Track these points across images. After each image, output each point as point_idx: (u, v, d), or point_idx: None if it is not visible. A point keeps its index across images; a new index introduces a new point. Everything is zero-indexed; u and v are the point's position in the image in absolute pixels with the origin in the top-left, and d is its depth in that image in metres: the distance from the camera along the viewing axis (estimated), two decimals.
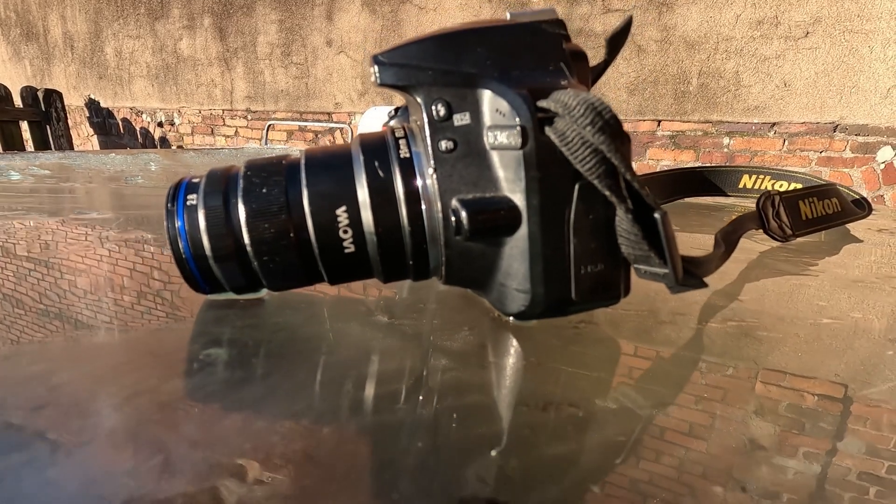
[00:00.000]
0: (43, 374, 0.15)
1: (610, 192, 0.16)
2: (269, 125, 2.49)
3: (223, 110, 2.77)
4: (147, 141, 3.08)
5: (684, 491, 0.12)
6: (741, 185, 0.57)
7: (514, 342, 0.19)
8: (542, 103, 0.17)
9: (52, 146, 2.72)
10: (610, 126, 0.16)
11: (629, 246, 0.17)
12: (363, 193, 0.18)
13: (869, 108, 1.60)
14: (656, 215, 0.17)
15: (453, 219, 0.18)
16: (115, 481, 0.10)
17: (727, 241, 0.27)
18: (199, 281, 0.19)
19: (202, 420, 0.13)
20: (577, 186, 0.17)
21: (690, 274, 0.18)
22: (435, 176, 0.18)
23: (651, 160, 1.86)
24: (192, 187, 0.19)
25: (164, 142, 3.01)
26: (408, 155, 0.19)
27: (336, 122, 2.41)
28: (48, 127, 2.73)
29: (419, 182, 0.18)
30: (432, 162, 0.18)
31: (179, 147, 2.91)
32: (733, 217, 0.33)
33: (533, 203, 0.17)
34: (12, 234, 0.30)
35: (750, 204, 0.55)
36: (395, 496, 0.10)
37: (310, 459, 0.11)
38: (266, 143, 2.38)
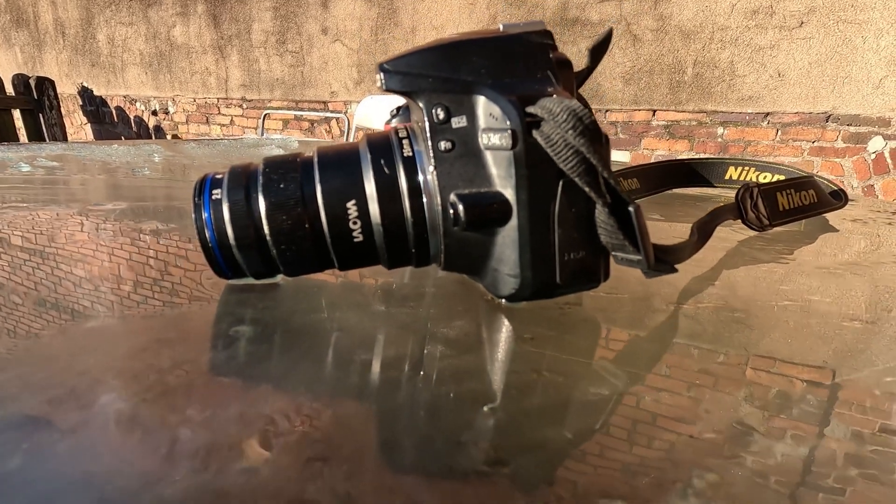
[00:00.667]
0: (93, 349, 0.17)
1: (589, 189, 0.18)
2: (266, 114, 2.49)
3: (218, 99, 2.76)
4: (141, 129, 3.07)
5: (669, 467, 0.14)
6: (727, 177, 0.59)
7: (505, 320, 0.21)
8: (530, 109, 0.19)
9: (46, 135, 2.71)
10: (589, 130, 0.18)
11: (607, 235, 0.20)
12: (370, 188, 0.20)
13: (861, 99, 1.62)
14: (630, 208, 0.19)
15: (451, 211, 0.20)
16: (172, 430, 0.12)
17: (702, 231, 0.29)
18: (223, 267, 0.21)
19: (237, 384, 0.15)
20: (560, 183, 0.19)
21: (662, 260, 0.20)
22: (435, 173, 0.20)
23: (646, 150, 1.88)
24: (216, 183, 0.21)
25: (159, 130, 3.00)
26: (410, 153, 0.21)
27: (332, 112, 2.41)
28: (41, 115, 2.71)
29: (421, 178, 0.20)
30: (432, 160, 0.20)
31: (175, 137, 2.90)
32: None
33: (522, 198, 0.19)
34: (38, 225, 0.32)
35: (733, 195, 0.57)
36: (403, 441, 0.13)
37: (331, 411, 0.14)
38: (263, 134, 2.37)
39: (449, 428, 0.14)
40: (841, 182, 1.68)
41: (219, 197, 0.21)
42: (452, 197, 0.20)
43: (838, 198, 0.48)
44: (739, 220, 0.37)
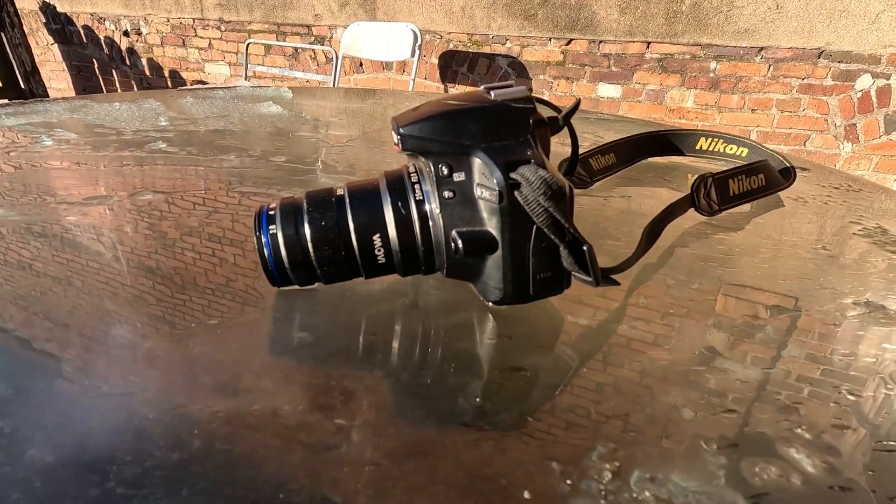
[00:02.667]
0: (185, 341, 0.24)
1: (554, 236, 0.25)
2: (248, 44, 2.38)
3: (193, 19, 2.61)
4: (114, 52, 2.91)
5: (643, 391, 0.22)
6: (698, 147, 0.64)
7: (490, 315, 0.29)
8: (513, 175, 0.25)
9: (11, 56, 2.57)
10: (556, 195, 0.24)
11: (567, 263, 0.26)
12: (391, 224, 0.27)
13: (855, 34, 1.61)
14: (584, 248, 0.26)
15: (453, 244, 0.27)
16: (272, 399, 0.20)
17: (653, 232, 0.36)
18: (277, 279, 0.28)
19: (300, 367, 0.23)
20: (534, 227, 0.26)
21: (606, 278, 0.28)
22: (440, 215, 0.27)
23: (637, 84, 1.88)
24: (270, 219, 0.27)
25: (132, 53, 2.85)
26: (421, 197, 0.27)
27: (316, 37, 2.32)
28: (2, 35, 2.55)
29: (429, 218, 0.27)
30: (438, 205, 0.26)
31: (150, 61, 2.77)
32: (689, 177, 0.42)
33: (506, 237, 0.26)
34: (95, 220, 0.37)
35: (704, 164, 0.63)
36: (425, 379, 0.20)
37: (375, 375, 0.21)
38: (247, 68, 2.27)
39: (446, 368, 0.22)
40: (824, 121, 1.72)
41: (275, 232, 0.27)
42: (453, 233, 0.26)
43: (787, 176, 0.54)
44: (692, 210, 0.44)
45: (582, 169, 0.52)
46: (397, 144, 0.26)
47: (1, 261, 0.32)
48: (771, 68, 1.72)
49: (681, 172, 0.61)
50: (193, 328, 0.26)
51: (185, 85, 2.74)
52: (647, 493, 0.18)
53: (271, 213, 0.28)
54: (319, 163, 0.54)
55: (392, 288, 0.30)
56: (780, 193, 0.52)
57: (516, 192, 0.25)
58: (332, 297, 0.29)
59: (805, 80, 1.70)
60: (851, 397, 0.23)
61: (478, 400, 0.22)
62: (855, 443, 0.21)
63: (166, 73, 2.81)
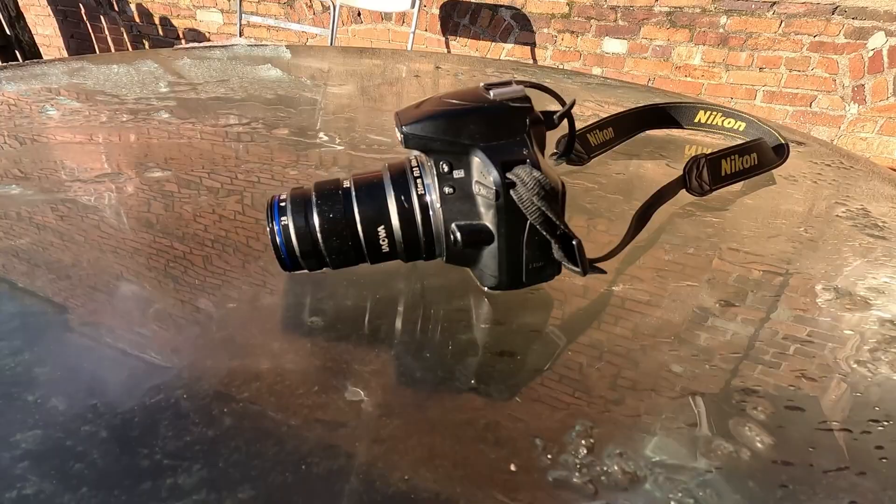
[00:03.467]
0: (209, 312, 0.27)
1: (546, 233, 0.27)
2: None
3: None
4: None
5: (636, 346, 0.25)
6: (696, 120, 0.65)
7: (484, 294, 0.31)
8: (509, 175, 0.27)
9: None
10: (549, 195, 0.26)
11: (558, 254, 0.29)
12: (394, 217, 0.29)
13: None
14: (574, 243, 0.28)
15: (452, 237, 0.29)
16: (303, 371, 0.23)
17: (642, 217, 0.38)
18: (289, 266, 0.30)
19: (314, 351, 0.26)
20: (528, 223, 0.28)
21: (594, 268, 0.30)
22: (441, 209, 0.28)
23: (644, 39, 1.82)
24: (282, 210, 0.29)
25: None
26: (423, 192, 0.29)
27: None
28: None
29: (430, 212, 0.29)
30: (438, 200, 0.28)
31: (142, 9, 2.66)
32: (686, 150, 0.43)
33: (501, 231, 0.28)
34: (115, 196, 0.39)
35: (702, 137, 0.64)
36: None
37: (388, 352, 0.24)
38: (241, 21, 2.18)
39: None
40: (832, 81, 1.69)
41: (286, 223, 0.29)
42: (453, 226, 0.28)
43: (780, 154, 0.55)
44: (683, 190, 0.45)
45: (579, 145, 0.53)
46: (402, 143, 0.28)
47: (34, 242, 0.34)
48: (783, 24, 1.67)
49: (677, 146, 0.62)
50: (214, 312, 0.29)
51: (177, 34, 2.65)
52: (616, 467, 0.21)
53: (282, 204, 0.29)
54: (322, 134, 0.55)
55: (395, 273, 0.32)
56: (773, 171, 0.53)
57: (512, 191, 0.27)
58: (339, 282, 0.31)
59: (816, 38, 1.66)
60: (805, 380, 0.26)
61: (472, 382, 0.25)
62: (800, 422, 0.24)
63: (157, 21, 2.71)
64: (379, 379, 0.25)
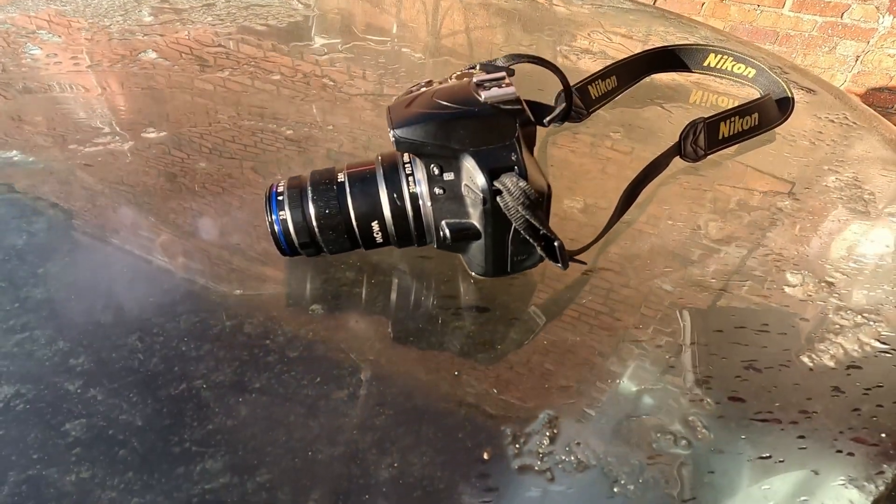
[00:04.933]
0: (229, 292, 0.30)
1: (530, 238, 0.29)
2: None
3: None
4: None
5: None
6: (706, 63, 0.63)
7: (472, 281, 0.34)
8: (496, 183, 0.28)
9: None
10: (532, 203, 0.27)
11: (540, 251, 0.31)
12: (387, 213, 0.30)
13: None
14: (556, 244, 0.29)
15: (441, 233, 0.30)
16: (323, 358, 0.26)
17: (629, 198, 0.39)
18: (288, 253, 0.32)
19: (314, 342, 0.29)
20: (513, 226, 0.29)
21: (574, 260, 0.32)
22: (431, 207, 0.30)
23: None
24: (280, 204, 0.31)
25: None
26: (415, 190, 0.30)
27: None
28: None
29: (421, 209, 0.30)
30: (429, 200, 0.30)
31: None
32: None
33: (488, 231, 0.30)
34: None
35: (710, 82, 0.62)
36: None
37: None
38: None
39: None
40: (875, 9, 1.55)
41: (284, 217, 0.30)
42: (442, 223, 0.30)
43: (787, 107, 0.54)
44: (677, 156, 0.45)
45: (578, 99, 0.52)
46: (394, 145, 0.28)
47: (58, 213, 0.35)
48: None
49: (683, 92, 0.60)
50: (219, 302, 0.31)
51: None
52: (573, 457, 0.25)
53: (280, 198, 0.31)
54: (320, 86, 0.54)
55: (389, 256, 0.34)
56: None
57: (498, 198, 0.28)
58: (337, 266, 0.34)
59: None
60: (749, 371, 0.30)
61: (456, 373, 0.28)
62: (737, 414, 0.27)
63: None
64: (373, 369, 0.28)
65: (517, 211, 0.28)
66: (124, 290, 0.32)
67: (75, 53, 0.55)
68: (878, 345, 0.32)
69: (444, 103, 0.28)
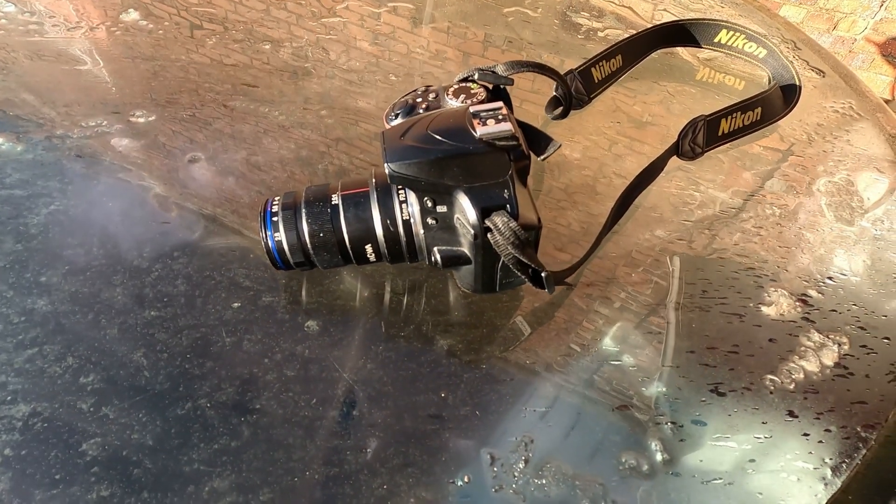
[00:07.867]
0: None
1: (518, 271, 0.30)
2: None
3: None
4: None
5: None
6: (717, 39, 0.60)
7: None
8: (487, 221, 0.28)
9: None
10: (521, 242, 0.28)
11: (527, 279, 0.32)
12: (381, 237, 0.31)
13: None
14: (543, 274, 0.30)
15: (433, 258, 0.31)
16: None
17: (623, 203, 0.39)
18: (282, 268, 0.33)
19: (310, 362, 0.31)
20: (501, 259, 0.30)
21: (561, 282, 0.33)
22: (423, 235, 0.30)
23: None
24: (275, 225, 0.31)
25: None
26: (408, 217, 0.30)
27: None
28: None
29: (414, 236, 0.31)
30: (422, 228, 0.30)
31: None
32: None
33: (478, 260, 0.30)
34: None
35: (720, 57, 0.60)
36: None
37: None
38: None
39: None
40: None
41: (279, 239, 0.31)
42: (434, 250, 0.31)
43: (792, 95, 0.53)
44: (674, 155, 0.45)
45: (580, 84, 0.51)
46: (390, 177, 0.28)
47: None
48: None
49: (689, 69, 0.58)
50: (217, 325, 0.32)
51: None
52: (544, 480, 0.28)
53: (275, 219, 0.31)
54: (317, 63, 0.51)
55: (381, 271, 0.35)
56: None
57: (489, 235, 0.29)
58: (332, 279, 0.35)
59: None
60: (714, 395, 0.32)
61: (443, 395, 0.30)
62: (696, 438, 0.30)
63: None
64: (366, 389, 0.30)
65: (507, 249, 0.28)
66: (125, 300, 0.33)
67: (54, 11, 0.51)
68: (837, 369, 0.34)
69: (439, 138, 0.28)
